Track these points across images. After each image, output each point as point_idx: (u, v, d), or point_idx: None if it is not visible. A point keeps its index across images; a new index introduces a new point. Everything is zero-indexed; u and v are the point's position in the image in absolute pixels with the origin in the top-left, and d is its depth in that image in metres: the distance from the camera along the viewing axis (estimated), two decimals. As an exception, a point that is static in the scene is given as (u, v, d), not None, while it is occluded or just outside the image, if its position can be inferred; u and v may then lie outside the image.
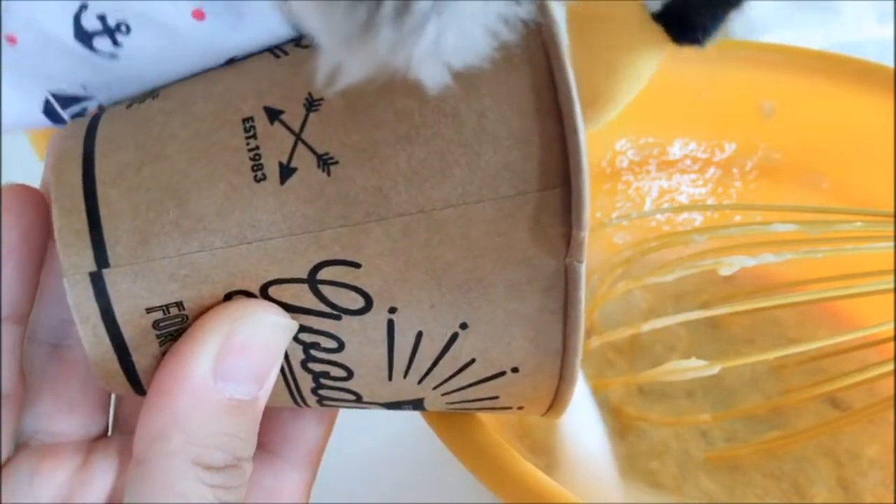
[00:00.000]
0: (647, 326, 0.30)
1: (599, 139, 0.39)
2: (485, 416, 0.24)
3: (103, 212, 0.18)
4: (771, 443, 0.34)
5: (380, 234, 0.18)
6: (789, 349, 0.30)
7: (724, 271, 0.30)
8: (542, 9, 0.17)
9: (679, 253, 0.35)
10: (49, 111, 0.21)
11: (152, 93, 0.20)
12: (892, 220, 0.31)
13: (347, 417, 0.24)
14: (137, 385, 0.20)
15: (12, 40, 0.20)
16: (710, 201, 0.41)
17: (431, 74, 0.14)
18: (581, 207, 0.17)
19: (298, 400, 0.21)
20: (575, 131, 0.17)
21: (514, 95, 0.17)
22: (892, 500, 0.33)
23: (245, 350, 0.18)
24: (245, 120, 0.18)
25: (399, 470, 0.36)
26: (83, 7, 0.19)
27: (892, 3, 0.56)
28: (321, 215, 0.18)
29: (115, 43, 0.20)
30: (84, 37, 0.19)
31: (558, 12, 0.17)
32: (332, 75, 0.14)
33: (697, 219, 0.40)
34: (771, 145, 0.39)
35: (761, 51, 0.39)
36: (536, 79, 0.17)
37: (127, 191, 0.18)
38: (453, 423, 0.23)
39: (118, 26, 0.19)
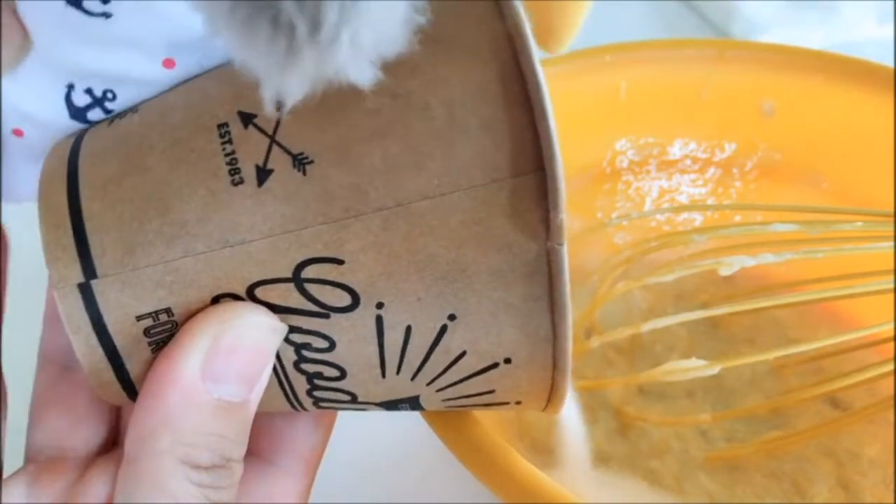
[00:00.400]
0: (647, 326, 0.30)
1: (599, 139, 0.39)
2: (483, 416, 0.24)
3: (88, 225, 0.19)
4: (771, 443, 0.34)
5: (360, 230, 0.18)
6: (789, 349, 0.30)
7: (724, 271, 0.30)
8: (504, 0, 0.18)
9: (679, 253, 0.35)
10: None
11: (132, 108, 0.21)
12: (892, 220, 0.31)
13: (347, 418, 0.24)
14: (132, 393, 0.20)
15: (19, 133, 0.21)
16: (710, 201, 0.41)
17: (360, 74, 0.15)
18: (556, 190, 0.17)
19: (295, 403, 0.21)
20: (544, 117, 0.17)
21: (483, 86, 0.18)
22: (892, 500, 0.33)
23: (233, 352, 0.18)
24: (220, 126, 0.18)
25: (399, 470, 0.36)
26: (70, 87, 0.20)
27: (892, 3, 0.56)
28: (301, 214, 0.18)
29: (107, 111, 0.21)
30: (79, 114, 0.21)
31: (518, 2, 0.18)
32: (278, 100, 0.15)
33: (697, 219, 0.40)
34: (771, 145, 0.39)
35: (761, 51, 0.39)
36: (503, 69, 0.18)
37: (111, 203, 0.19)
38: (453, 422, 0.23)
39: (105, 94, 0.21)
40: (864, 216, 0.32)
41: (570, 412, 0.30)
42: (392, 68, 0.17)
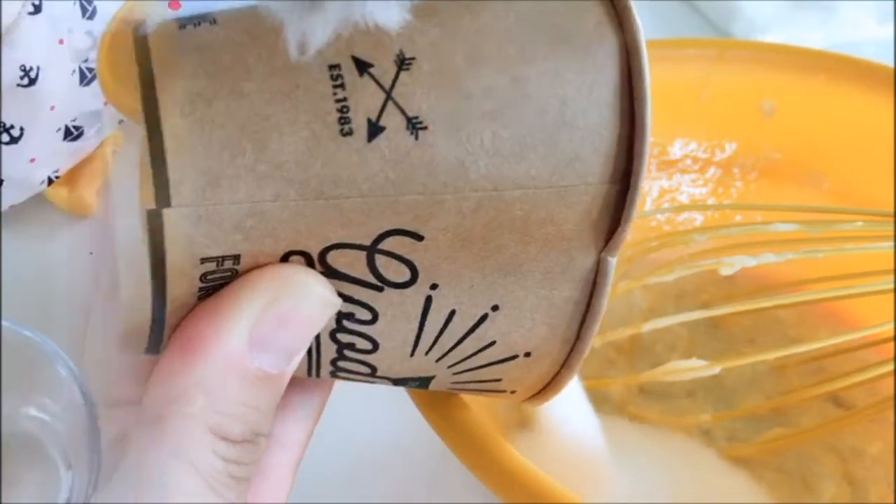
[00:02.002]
0: (647, 326, 0.30)
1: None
2: (483, 407, 0.24)
3: (169, 144, 0.16)
4: (772, 443, 0.34)
5: (451, 208, 0.17)
6: (790, 349, 0.30)
7: (725, 271, 0.30)
8: (626, 13, 0.18)
9: (679, 253, 0.35)
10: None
11: (206, 16, 0.19)
12: (892, 219, 0.31)
13: (347, 416, 0.24)
14: (156, 342, 0.18)
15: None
16: (710, 201, 0.41)
17: (388, 18, 0.15)
18: (633, 205, 0.18)
19: (314, 370, 0.20)
20: (643, 132, 0.18)
21: (595, 90, 0.18)
22: (893, 499, 0.33)
23: (285, 322, 0.17)
24: (332, 67, 0.17)
25: (398, 469, 0.36)
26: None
27: (892, 3, 0.56)
28: (402, 180, 0.17)
29: None
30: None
31: (637, 16, 0.18)
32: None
33: (698, 219, 0.40)
34: (771, 145, 0.39)
35: (761, 51, 0.39)
36: (616, 79, 0.18)
37: (198, 124, 0.17)
38: (452, 420, 0.23)
39: None
40: (864, 216, 0.32)
41: (584, 408, 0.30)
42: (511, 51, 0.17)
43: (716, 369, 0.28)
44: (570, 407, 0.29)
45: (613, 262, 0.18)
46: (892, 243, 0.30)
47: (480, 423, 0.23)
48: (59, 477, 0.25)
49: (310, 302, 0.17)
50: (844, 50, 0.39)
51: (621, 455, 0.30)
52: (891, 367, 0.30)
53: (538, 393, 0.21)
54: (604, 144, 0.18)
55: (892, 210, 0.32)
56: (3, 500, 0.21)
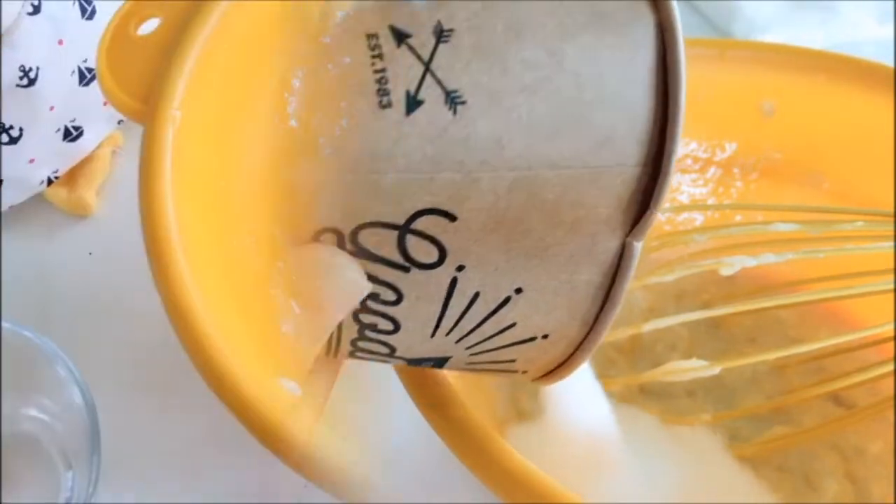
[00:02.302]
0: (648, 327, 0.30)
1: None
2: (483, 406, 0.24)
3: None
4: (774, 442, 0.34)
5: (486, 187, 0.17)
6: (790, 349, 0.30)
7: (725, 271, 0.30)
8: None
9: (679, 253, 0.35)
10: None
11: None
12: (892, 219, 0.31)
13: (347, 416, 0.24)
14: None
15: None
16: (710, 201, 0.41)
17: None
18: (664, 188, 0.17)
19: (333, 350, 0.20)
20: (677, 113, 0.17)
21: (631, 68, 0.17)
22: (893, 498, 0.33)
23: (317, 308, 0.17)
24: (369, 36, 0.17)
25: (398, 469, 0.36)
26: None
27: (892, 3, 0.56)
28: (439, 157, 0.17)
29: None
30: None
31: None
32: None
33: (698, 218, 0.40)
34: (771, 145, 0.39)
35: (761, 51, 0.39)
36: (652, 58, 0.18)
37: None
38: (452, 420, 0.23)
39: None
40: (864, 216, 0.32)
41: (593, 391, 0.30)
42: (550, 25, 0.17)
43: (716, 369, 0.28)
44: (580, 389, 0.29)
45: (639, 246, 0.18)
46: (892, 243, 0.30)
47: (480, 423, 0.23)
48: (59, 477, 0.25)
49: (340, 286, 0.17)
50: (844, 50, 0.39)
51: (631, 443, 0.30)
52: (891, 367, 0.30)
53: (549, 373, 0.21)
54: (638, 124, 0.17)
55: (892, 210, 0.32)
56: (4, 500, 0.21)
